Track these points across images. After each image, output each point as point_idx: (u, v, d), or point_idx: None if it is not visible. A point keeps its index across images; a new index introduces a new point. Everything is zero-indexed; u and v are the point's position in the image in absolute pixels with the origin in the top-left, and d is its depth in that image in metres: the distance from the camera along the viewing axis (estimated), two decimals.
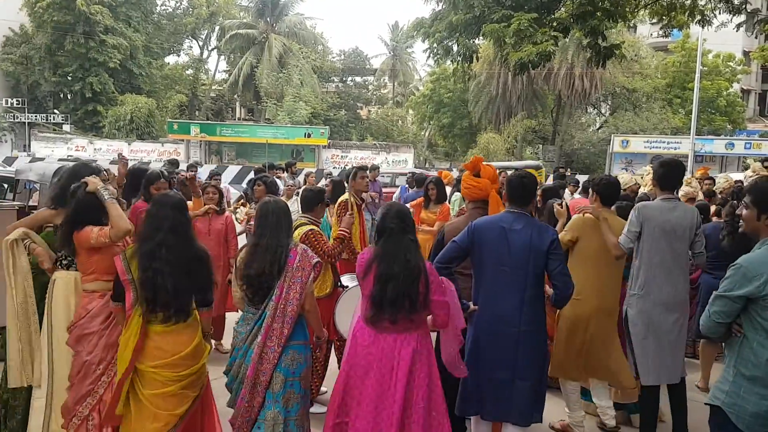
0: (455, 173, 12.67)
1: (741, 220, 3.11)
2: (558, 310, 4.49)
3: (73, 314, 3.77)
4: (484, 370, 3.62)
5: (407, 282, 3.23)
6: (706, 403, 2.97)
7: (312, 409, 5.01)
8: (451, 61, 9.56)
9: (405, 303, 3.23)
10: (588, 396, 4.94)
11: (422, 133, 44.84)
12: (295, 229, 4.76)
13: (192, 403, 3.44)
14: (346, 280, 5.02)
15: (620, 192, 4.79)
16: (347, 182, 5.92)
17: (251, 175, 15.24)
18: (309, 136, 33.46)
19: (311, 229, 4.67)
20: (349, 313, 4.70)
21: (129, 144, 32.95)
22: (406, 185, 11.21)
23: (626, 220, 4.38)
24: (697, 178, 8.89)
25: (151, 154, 32.63)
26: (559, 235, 4.34)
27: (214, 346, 5.99)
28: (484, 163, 4.47)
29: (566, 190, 9.82)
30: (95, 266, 3.65)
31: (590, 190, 4.78)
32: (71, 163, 4.56)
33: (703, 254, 4.37)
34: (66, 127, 36.46)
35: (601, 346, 4.40)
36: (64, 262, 3.84)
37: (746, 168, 14.61)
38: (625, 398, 4.83)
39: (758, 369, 2.77)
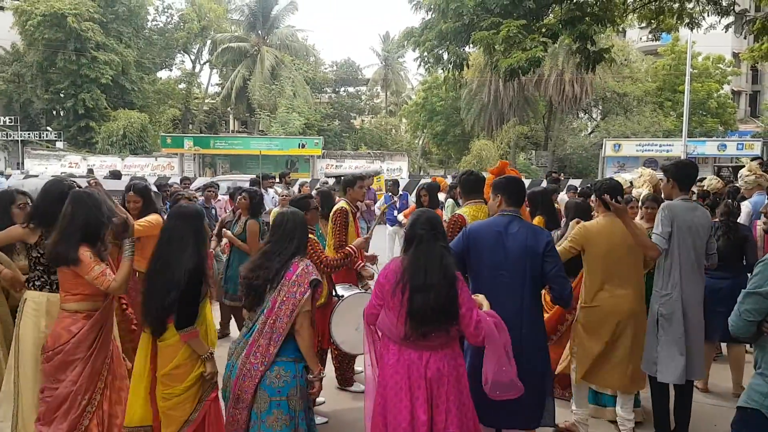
0: (449, 180, 12.70)
1: (764, 217, 3.09)
2: (574, 320, 4.54)
3: (42, 337, 3.56)
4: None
5: (447, 291, 3.03)
6: (738, 406, 2.86)
7: None
8: (442, 69, 9.60)
9: (441, 314, 3.02)
10: (596, 399, 4.92)
11: (416, 141, 44.98)
12: None
13: (181, 426, 3.35)
14: (341, 289, 5.00)
15: (623, 194, 4.80)
16: (344, 190, 5.89)
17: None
18: (303, 146, 33.45)
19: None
20: (345, 323, 4.69)
21: (122, 159, 32.89)
22: (390, 194, 11.18)
23: None
24: None
25: (144, 168, 32.58)
26: (561, 245, 4.40)
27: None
28: (482, 170, 4.50)
29: (561, 195, 9.85)
30: (85, 286, 3.50)
31: (593, 196, 4.80)
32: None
33: (715, 255, 4.44)
34: (59, 144, 36.40)
35: (622, 352, 4.35)
36: (37, 282, 3.70)
37: (740, 167, 14.66)
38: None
39: None
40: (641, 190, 7.04)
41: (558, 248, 4.32)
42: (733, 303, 2.93)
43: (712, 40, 21.80)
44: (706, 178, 9.36)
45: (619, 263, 4.32)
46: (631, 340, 4.33)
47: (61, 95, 36.76)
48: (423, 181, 12.35)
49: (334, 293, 4.90)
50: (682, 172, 4.38)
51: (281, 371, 3.18)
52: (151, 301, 3.32)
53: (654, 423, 4.44)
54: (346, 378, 5.54)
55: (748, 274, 4.95)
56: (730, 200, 5.94)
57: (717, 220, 5.54)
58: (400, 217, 10.06)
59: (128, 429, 3.45)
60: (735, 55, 36.41)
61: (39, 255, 3.68)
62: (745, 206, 6.61)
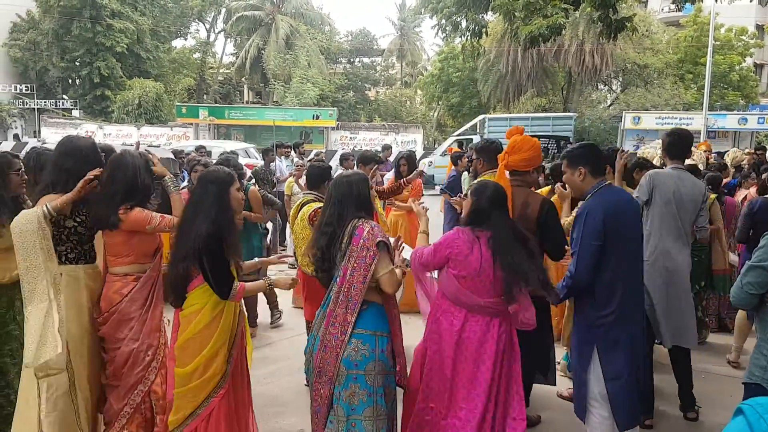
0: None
1: None
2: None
3: (86, 312, 3.47)
4: None
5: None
6: (743, 383, 2.86)
7: None
8: (460, 36, 9.45)
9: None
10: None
11: (431, 113, 44.60)
12: (304, 205, 4.72)
13: (186, 418, 3.26)
14: None
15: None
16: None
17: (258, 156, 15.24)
18: (317, 117, 33.36)
19: (320, 207, 4.59)
20: None
21: (138, 128, 33.02)
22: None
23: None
24: (704, 151, 8.88)
25: (160, 138, 32.71)
26: (567, 219, 4.43)
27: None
28: None
29: None
30: (135, 248, 3.47)
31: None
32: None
33: (705, 228, 4.42)
34: (75, 113, 36.56)
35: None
36: (71, 255, 3.48)
37: (759, 144, 14.44)
38: None
39: None
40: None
41: (566, 220, 4.32)
42: None
43: (736, 11, 21.36)
44: (728, 151, 9.25)
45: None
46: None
47: (77, 63, 36.80)
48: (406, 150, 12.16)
49: None
50: (671, 141, 4.37)
51: (359, 344, 3.04)
52: (174, 267, 3.27)
53: None
54: None
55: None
56: (716, 173, 5.88)
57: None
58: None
59: None
60: (759, 27, 35.59)
61: (76, 224, 3.48)
62: None
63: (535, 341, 3.74)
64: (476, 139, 19.79)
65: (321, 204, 4.60)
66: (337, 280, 3.08)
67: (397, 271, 3.09)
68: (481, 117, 22.87)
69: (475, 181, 3.55)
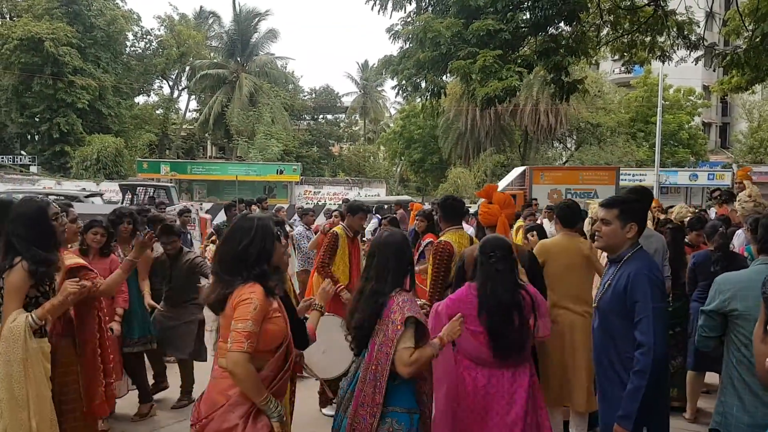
0: (427, 207, 12.78)
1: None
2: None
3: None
4: None
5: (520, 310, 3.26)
6: (709, 429, 2.98)
7: None
8: (420, 96, 9.71)
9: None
10: None
11: (394, 168, 45.24)
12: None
13: None
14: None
15: (580, 214, 4.94)
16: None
17: (221, 212, 15.17)
18: (281, 172, 33.45)
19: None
20: (316, 347, 4.49)
21: (97, 184, 32.53)
22: (378, 216, 11.28)
23: None
24: (653, 209, 9.17)
25: (119, 193, 32.26)
26: None
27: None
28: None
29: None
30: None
31: (554, 216, 4.95)
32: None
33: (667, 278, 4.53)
34: (33, 168, 35.90)
35: (580, 368, 4.42)
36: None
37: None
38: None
39: (741, 384, 2.80)
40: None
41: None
42: None
43: (683, 73, 22.35)
44: (674, 206, 9.59)
45: (577, 280, 4.46)
46: (588, 356, 4.32)
47: (36, 119, 36.37)
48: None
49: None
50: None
51: (394, 423, 2.85)
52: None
53: None
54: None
55: None
56: (723, 230, 5.79)
57: (711, 250, 5.39)
58: None
59: None
60: (705, 88, 37.34)
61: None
62: (737, 236, 6.48)
63: None
64: None
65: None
66: (365, 356, 2.94)
67: (428, 350, 2.87)
68: None
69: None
